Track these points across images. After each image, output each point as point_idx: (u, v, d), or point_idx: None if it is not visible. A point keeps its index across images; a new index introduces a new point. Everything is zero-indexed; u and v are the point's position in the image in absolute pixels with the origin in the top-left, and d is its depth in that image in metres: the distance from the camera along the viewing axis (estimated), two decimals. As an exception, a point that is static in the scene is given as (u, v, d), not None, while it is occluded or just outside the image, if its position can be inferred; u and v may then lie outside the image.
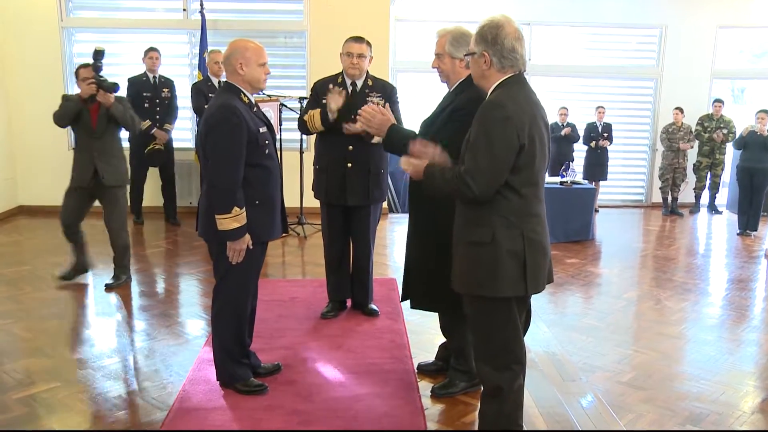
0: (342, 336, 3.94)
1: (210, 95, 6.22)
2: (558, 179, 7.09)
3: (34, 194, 7.46)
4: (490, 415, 2.60)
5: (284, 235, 3.59)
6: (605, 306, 4.76)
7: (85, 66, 4.61)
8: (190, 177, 7.64)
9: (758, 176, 7.45)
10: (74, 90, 4.65)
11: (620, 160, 9.21)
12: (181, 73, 7.63)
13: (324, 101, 3.89)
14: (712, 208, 8.83)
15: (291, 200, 5.49)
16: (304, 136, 6.29)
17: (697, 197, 8.87)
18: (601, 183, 8.76)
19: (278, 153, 3.43)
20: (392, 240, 6.89)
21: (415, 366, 3.52)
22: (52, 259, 5.45)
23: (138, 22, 7.62)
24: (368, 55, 3.98)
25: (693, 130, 8.60)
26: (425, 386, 3.30)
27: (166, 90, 6.93)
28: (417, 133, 3.04)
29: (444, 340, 3.41)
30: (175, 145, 7.18)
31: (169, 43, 7.71)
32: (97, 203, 4.83)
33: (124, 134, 5.10)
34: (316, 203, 4.23)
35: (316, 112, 3.92)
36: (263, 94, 4.58)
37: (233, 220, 2.89)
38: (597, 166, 8.62)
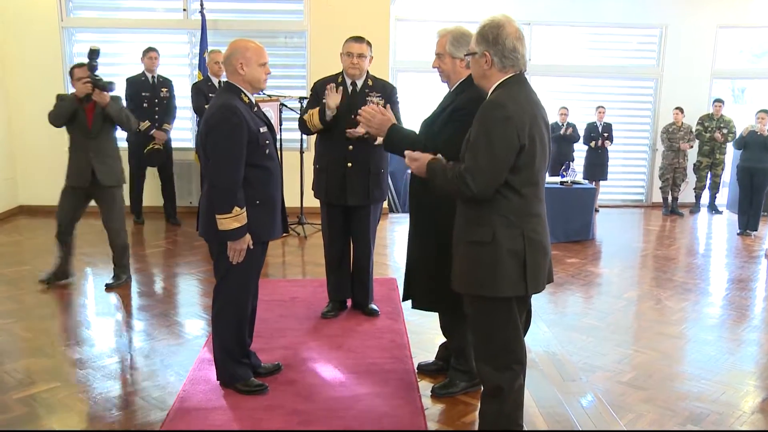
0: (342, 336, 3.94)
1: (210, 95, 6.23)
2: (558, 179, 7.09)
3: (35, 194, 7.47)
4: (490, 414, 2.60)
5: (284, 235, 3.59)
6: (605, 306, 4.76)
7: (79, 66, 4.59)
8: (189, 177, 7.64)
9: (758, 176, 7.45)
10: (73, 90, 4.63)
11: (620, 160, 9.21)
12: (181, 73, 7.63)
13: (324, 100, 3.89)
14: (713, 208, 8.83)
15: (291, 200, 5.49)
16: (305, 136, 6.29)
17: (698, 197, 8.87)
18: (602, 183, 8.76)
19: (278, 153, 3.43)
20: (392, 240, 6.89)
21: (416, 366, 3.52)
22: (52, 259, 5.43)
23: (138, 22, 7.62)
24: (368, 55, 3.98)
25: (693, 130, 8.60)
26: (425, 386, 3.30)
27: (164, 90, 6.93)
28: (417, 132, 3.05)
29: (444, 340, 3.41)
30: (175, 144, 7.18)
31: (169, 43, 7.72)
32: (92, 203, 4.82)
33: (120, 134, 5.09)
34: (317, 203, 4.23)
35: (315, 111, 3.92)
36: (263, 94, 4.58)
37: (234, 219, 2.89)
38: (597, 166, 8.63)
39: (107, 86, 4.52)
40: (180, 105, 7.20)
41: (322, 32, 7.41)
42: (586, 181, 7.84)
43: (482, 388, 2.63)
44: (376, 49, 4.15)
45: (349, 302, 4.38)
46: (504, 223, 2.35)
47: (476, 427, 2.85)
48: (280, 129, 6.73)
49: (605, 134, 8.56)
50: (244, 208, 2.92)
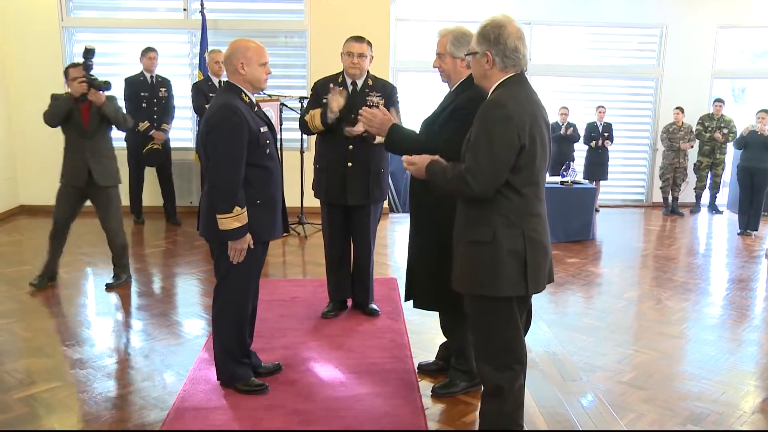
0: (342, 336, 3.94)
1: (210, 95, 6.23)
2: (558, 179, 7.09)
3: (35, 194, 7.46)
4: (490, 414, 2.60)
5: (285, 234, 3.58)
6: (606, 306, 4.76)
7: (74, 65, 4.57)
8: (190, 177, 7.64)
9: (759, 176, 7.45)
10: (67, 90, 4.61)
11: (621, 160, 9.21)
12: (181, 72, 7.64)
13: (324, 101, 3.89)
14: (713, 208, 8.83)
15: (291, 200, 5.48)
16: (305, 136, 6.29)
17: (698, 197, 8.87)
18: (602, 183, 8.76)
19: (279, 153, 3.43)
20: (393, 240, 6.89)
21: (416, 366, 3.52)
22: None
23: (138, 22, 7.62)
24: (369, 54, 3.98)
25: (693, 129, 8.60)
26: (426, 386, 3.30)
27: (163, 89, 6.93)
28: (418, 132, 3.05)
29: (445, 339, 3.41)
30: (174, 144, 7.19)
31: (169, 42, 7.72)
32: (88, 203, 4.80)
33: (118, 134, 5.09)
34: (317, 203, 4.23)
35: (316, 112, 3.91)
36: (264, 93, 4.57)
37: (234, 219, 2.89)
38: (597, 166, 8.62)
39: (103, 86, 4.50)
40: (180, 105, 7.20)
41: (323, 32, 7.41)
42: (587, 181, 7.84)
43: (482, 387, 2.63)
44: (376, 49, 4.15)
45: (349, 302, 4.37)
46: (504, 223, 2.35)
47: (476, 427, 2.85)
48: (281, 129, 6.73)
49: (605, 134, 8.56)
50: (245, 208, 2.92)
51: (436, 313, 3.32)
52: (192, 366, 3.49)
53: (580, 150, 8.73)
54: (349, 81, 4.00)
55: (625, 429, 2.97)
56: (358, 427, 2.90)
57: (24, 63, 7.35)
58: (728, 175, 8.91)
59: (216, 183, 2.91)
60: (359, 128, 3.60)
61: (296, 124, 4.27)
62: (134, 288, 4.92)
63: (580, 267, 5.82)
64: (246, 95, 3.01)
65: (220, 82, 6.50)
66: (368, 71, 4.03)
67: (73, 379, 3.35)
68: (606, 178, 8.73)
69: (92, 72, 4.52)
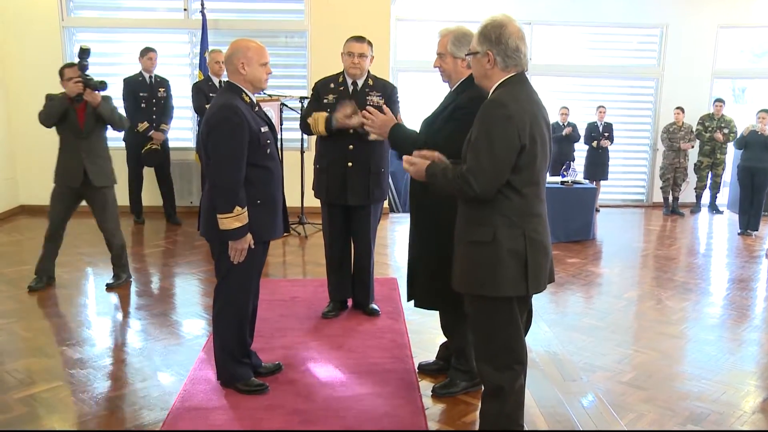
0: (343, 336, 3.94)
1: (211, 95, 6.23)
2: (559, 179, 7.09)
3: (35, 194, 7.46)
4: (491, 414, 2.59)
5: (285, 234, 3.59)
6: (606, 306, 4.76)
7: (70, 65, 4.56)
8: (190, 177, 7.64)
9: (759, 176, 7.45)
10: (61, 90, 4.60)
11: (621, 160, 9.20)
12: (181, 72, 7.64)
13: (326, 101, 3.89)
14: (713, 208, 8.83)
15: (292, 200, 5.48)
16: (305, 136, 6.29)
17: (698, 197, 8.87)
18: (602, 183, 8.75)
19: (279, 153, 3.43)
20: (393, 240, 6.89)
21: (416, 366, 3.52)
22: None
23: (139, 22, 7.62)
24: (369, 54, 3.98)
25: (694, 129, 8.59)
26: (426, 386, 3.30)
27: (161, 90, 6.93)
28: (418, 132, 3.05)
29: (445, 339, 3.41)
30: (173, 144, 7.19)
31: (169, 42, 7.73)
32: (83, 203, 4.79)
33: (115, 134, 5.08)
34: (317, 203, 4.23)
35: (320, 117, 3.89)
36: (264, 93, 4.57)
37: (235, 219, 2.89)
38: (598, 166, 8.62)
39: (99, 86, 4.49)
40: (179, 105, 7.21)
41: (323, 32, 7.41)
42: (587, 181, 7.84)
43: (483, 387, 2.63)
44: (376, 49, 4.16)
45: (349, 302, 4.37)
46: (505, 223, 2.35)
47: (477, 427, 2.85)
48: (281, 129, 6.73)
49: (606, 134, 8.56)
50: (246, 208, 2.92)
51: (437, 313, 3.33)
52: (192, 366, 3.49)
53: (581, 150, 8.73)
54: (349, 81, 4.00)
55: (626, 429, 2.97)
56: (358, 427, 2.90)
57: (24, 63, 7.35)
58: (728, 175, 8.91)
59: (216, 183, 2.91)
60: (355, 121, 3.62)
61: (296, 124, 4.28)
62: (134, 288, 4.92)
63: (581, 267, 5.82)
64: (246, 95, 3.01)
65: (220, 82, 6.51)
66: (368, 71, 4.03)
67: (73, 379, 3.35)
68: (606, 178, 8.73)
69: (88, 72, 4.51)
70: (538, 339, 3.93)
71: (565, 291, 5.12)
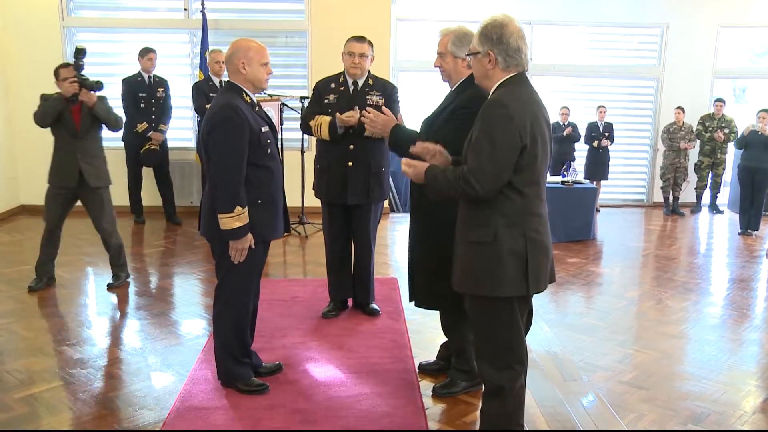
0: (343, 335, 3.94)
1: (211, 95, 6.23)
2: (559, 179, 7.09)
3: (36, 194, 7.38)
4: (491, 414, 2.59)
5: (286, 234, 3.59)
6: (606, 305, 4.76)
7: (65, 65, 4.54)
8: (190, 177, 7.64)
9: (759, 176, 7.44)
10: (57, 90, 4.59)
11: (621, 160, 9.20)
12: (182, 72, 7.64)
13: (327, 101, 3.90)
14: (714, 208, 8.82)
15: (292, 200, 5.49)
16: (305, 136, 6.29)
17: (699, 197, 8.86)
18: (603, 182, 8.75)
19: (280, 152, 3.43)
20: (393, 239, 6.89)
21: (416, 365, 3.52)
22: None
23: (139, 22, 7.62)
24: (370, 54, 3.98)
25: (694, 129, 8.59)
26: (426, 386, 3.30)
27: (160, 90, 6.93)
28: (418, 132, 3.05)
29: (445, 339, 3.41)
30: (173, 144, 7.20)
31: (170, 42, 7.73)
32: (78, 204, 4.77)
33: (113, 135, 5.07)
34: (318, 203, 4.23)
35: (324, 121, 3.89)
36: (265, 93, 4.57)
37: (235, 219, 2.89)
38: (598, 166, 8.62)
39: (95, 86, 4.48)
40: (179, 105, 7.21)
41: (323, 32, 7.41)
42: (587, 181, 7.84)
43: (483, 387, 2.63)
44: (377, 49, 4.16)
45: (350, 302, 4.37)
46: (505, 223, 2.35)
47: (477, 427, 2.85)
48: (282, 129, 6.73)
49: (606, 134, 8.56)
50: (246, 208, 2.92)
51: (437, 313, 3.33)
52: (192, 366, 3.49)
53: (581, 150, 8.73)
54: (350, 81, 4.00)
55: (626, 429, 2.97)
56: (358, 427, 2.90)
57: (24, 63, 7.34)
58: (729, 174, 8.91)
59: (217, 182, 2.91)
60: (354, 119, 3.62)
61: (297, 124, 4.28)
62: (134, 288, 4.92)
63: (581, 267, 5.82)
64: (247, 95, 3.01)
65: (220, 82, 6.51)
66: (369, 71, 4.03)
67: (74, 379, 3.35)
68: (607, 178, 8.73)
69: (84, 72, 4.50)
70: (538, 339, 3.93)
71: (565, 291, 5.12)
